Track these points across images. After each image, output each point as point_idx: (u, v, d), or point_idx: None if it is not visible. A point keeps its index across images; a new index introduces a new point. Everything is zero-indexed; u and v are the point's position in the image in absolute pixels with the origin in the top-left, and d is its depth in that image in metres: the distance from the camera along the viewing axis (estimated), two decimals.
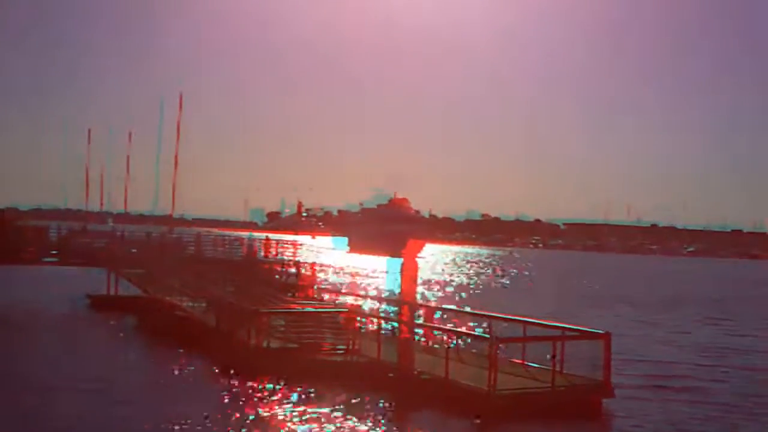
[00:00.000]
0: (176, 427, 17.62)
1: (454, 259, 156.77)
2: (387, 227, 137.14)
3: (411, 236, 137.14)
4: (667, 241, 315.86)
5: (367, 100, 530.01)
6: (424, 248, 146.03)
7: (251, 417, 18.99)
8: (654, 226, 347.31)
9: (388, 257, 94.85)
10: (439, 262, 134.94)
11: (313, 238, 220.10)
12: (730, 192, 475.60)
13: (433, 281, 79.38)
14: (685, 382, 26.78)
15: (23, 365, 24.86)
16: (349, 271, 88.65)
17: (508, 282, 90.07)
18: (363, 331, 26.23)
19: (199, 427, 17.68)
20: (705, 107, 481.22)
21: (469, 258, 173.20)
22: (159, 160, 77.20)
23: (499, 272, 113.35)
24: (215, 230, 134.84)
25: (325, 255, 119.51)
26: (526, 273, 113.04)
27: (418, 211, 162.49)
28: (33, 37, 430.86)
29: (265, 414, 19.40)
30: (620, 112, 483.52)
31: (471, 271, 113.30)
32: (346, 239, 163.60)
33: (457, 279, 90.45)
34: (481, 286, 79.67)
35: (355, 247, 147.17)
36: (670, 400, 23.62)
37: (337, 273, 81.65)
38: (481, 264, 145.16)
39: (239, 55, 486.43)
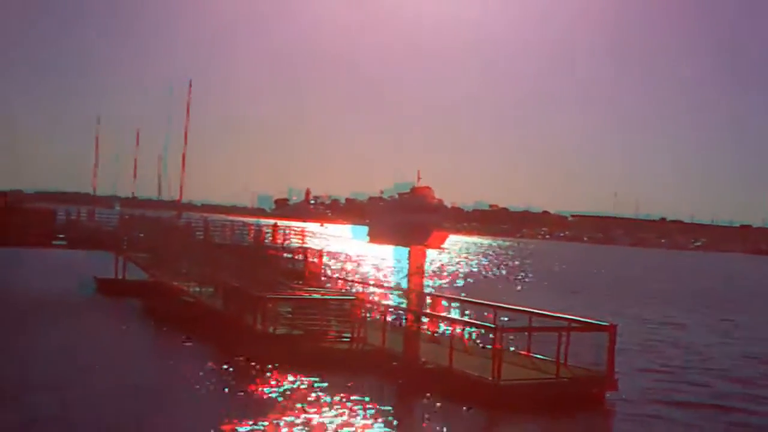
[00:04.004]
0: (178, 415, 17.75)
1: (464, 249, 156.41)
2: (409, 217, 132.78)
3: (434, 226, 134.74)
4: (675, 235, 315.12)
5: (376, 91, 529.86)
6: (447, 239, 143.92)
7: (254, 403, 19.09)
8: (662, 220, 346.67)
9: (396, 246, 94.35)
10: (450, 251, 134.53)
11: (322, 225, 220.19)
12: (739, 187, 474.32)
13: (443, 271, 79.42)
14: (688, 377, 26.79)
15: (29, 357, 24.70)
16: (358, 259, 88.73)
17: (519, 273, 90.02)
18: (369, 319, 26.26)
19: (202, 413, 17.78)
20: (715, 102, 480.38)
21: (478, 249, 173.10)
22: (168, 146, 77.22)
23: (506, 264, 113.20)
24: (223, 216, 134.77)
25: (340, 243, 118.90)
26: (528, 263, 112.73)
27: (440, 201, 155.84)
28: (44, 26, 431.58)
29: (267, 399, 19.48)
30: (629, 106, 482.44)
31: (480, 262, 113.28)
32: (365, 228, 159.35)
33: (466, 269, 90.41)
34: (489, 277, 79.73)
35: (375, 236, 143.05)
36: (672, 394, 23.62)
37: (345, 261, 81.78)
38: (490, 255, 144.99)
39: (249, 46, 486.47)
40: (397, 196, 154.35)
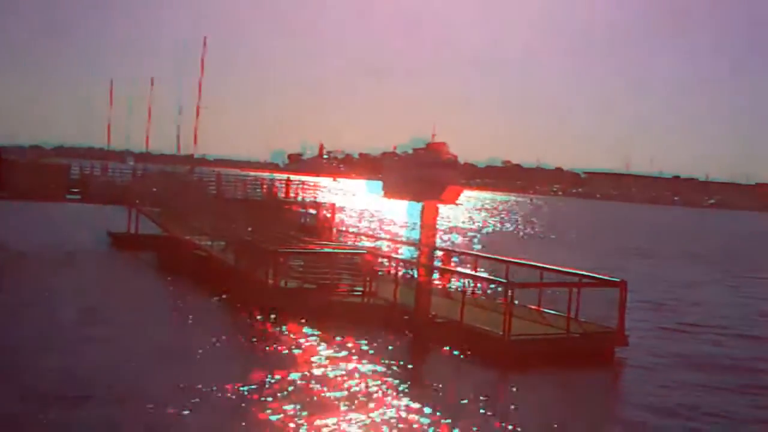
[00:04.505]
0: (194, 369, 17.89)
1: (478, 205, 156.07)
2: (423, 172, 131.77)
3: (449, 182, 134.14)
4: (689, 193, 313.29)
5: (390, 48, 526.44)
6: (461, 194, 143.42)
7: (270, 358, 19.22)
8: (676, 177, 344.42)
9: (410, 201, 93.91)
10: (464, 207, 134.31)
11: (335, 180, 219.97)
12: (755, 145, 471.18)
13: (456, 226, 79.45)
14: (701, 335, 26.76)
15: (50, 307, 24.87)
16: (371, 214, 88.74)
17: (533, 229, 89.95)
18: (381, 273, 26.33)
19: (217, 368, 17.94)
20: (730, 58, 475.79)
21: (491, 204, 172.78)
22: (182, 102, 76.94)
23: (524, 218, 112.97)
24: (236, 171, 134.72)
25: (354, 198, 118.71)
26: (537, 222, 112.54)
27: (455, 156, 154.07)
28: None
29: (280, 353, 19.61)
30: (645, 63, 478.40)
31: (494, 217, 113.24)
32: (380, 183, 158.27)
33: (479, 224, 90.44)
34: (502, 232, 79.74)
35: (389, 191, 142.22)
36: (684, 352, 23.61)
37: (358, 215, 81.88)
38: (503, 210, 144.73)
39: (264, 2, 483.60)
40: (411, 151, 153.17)
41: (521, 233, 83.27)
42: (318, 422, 14.33)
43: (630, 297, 22.45)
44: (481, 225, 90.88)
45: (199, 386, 15.88)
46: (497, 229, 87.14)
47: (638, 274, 41.88)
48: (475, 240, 64.56)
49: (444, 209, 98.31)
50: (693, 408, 17.36)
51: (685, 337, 26.10)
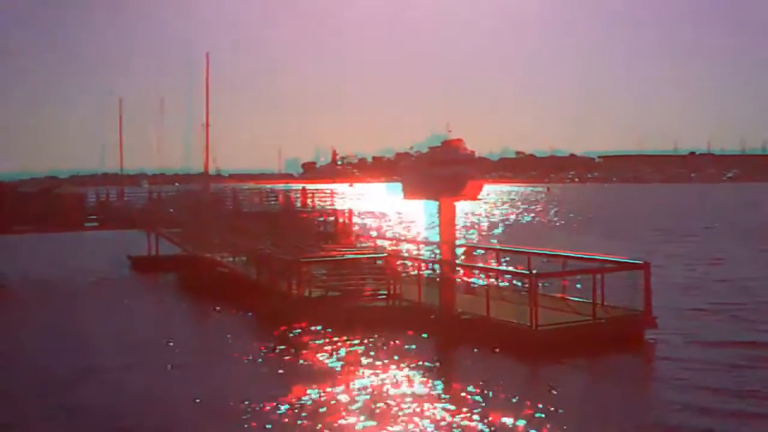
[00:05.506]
0: (231, 388, 17.87)
1: (496, 198, 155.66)
2: (443, 169, 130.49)
3: (469, 177, 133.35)
4: (706, 169, 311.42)
5: (397, 46, 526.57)
6: (482, 189, 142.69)
7: (309, 370, 19.16)
8: (691, 153, 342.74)
9: (429, 200, 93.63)
10: (485, 201, 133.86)
11: (351, 185, 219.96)
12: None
13: (478, 221, 79.29)
14: (733, 313, 26.12)
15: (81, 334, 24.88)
16: (389, 216, 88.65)
17: (555, 219, 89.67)
18: (404, 274, 26.26)
19: (252, 385, 17.94)
20: (735, 27, 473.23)
21: (509, 196, 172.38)
22: (191, 118, 76.84)
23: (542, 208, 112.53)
24: (251, 183, 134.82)
25: (373, 202, 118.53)
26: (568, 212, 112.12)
27: (473, 152, 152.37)
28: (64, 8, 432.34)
29: (319, 365, 19.50)
30: (650, 39, 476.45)
31: (513, 209, 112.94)
32: (399, 185, 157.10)
33: (500, 217, 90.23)
34: (525, 224, 79.53)
35: (409, 192, 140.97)
36: (715, 333, 23.23)
37: (377, 219, 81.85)
38: (522, 201, 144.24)
39: (272, 8, 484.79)
40: (426, 150, 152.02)
41: (542, 222, 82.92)
42: None
43: (656, 278, 22.26)
44: (501, 217, 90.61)
45: (248, 403, 15.86)
46: (518, 220, 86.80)
47: (662, 254, 41.51)
48: (497, 233, 64.34)
49: (465, 205, 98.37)
50: (731, 387, 17.08)
51: (714, 316, 25.71)
